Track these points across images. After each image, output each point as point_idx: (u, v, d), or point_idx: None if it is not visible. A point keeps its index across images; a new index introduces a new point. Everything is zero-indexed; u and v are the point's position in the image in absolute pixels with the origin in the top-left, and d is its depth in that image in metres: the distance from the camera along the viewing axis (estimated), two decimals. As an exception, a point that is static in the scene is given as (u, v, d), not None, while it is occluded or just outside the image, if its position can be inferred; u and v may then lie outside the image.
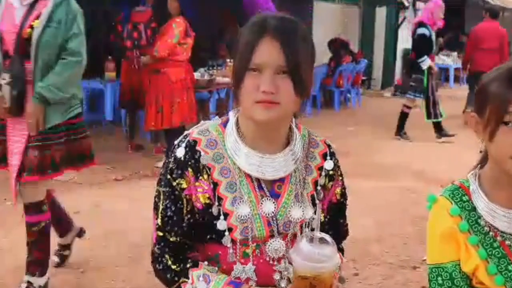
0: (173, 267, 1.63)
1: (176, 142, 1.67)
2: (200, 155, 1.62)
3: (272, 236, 1.63)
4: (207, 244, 1.65)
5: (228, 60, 9.27)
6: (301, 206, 1.65)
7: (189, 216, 1.63)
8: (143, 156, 7.11)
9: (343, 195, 1.80)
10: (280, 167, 1.63)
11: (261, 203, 1.62)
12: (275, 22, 1.56)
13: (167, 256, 1.64)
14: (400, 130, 8.79)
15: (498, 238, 1.60)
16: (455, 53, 17.86)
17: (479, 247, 1.60)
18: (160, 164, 6.02)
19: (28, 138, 3.30)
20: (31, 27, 3.21)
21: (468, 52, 9.76)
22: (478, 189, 1.63)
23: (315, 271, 1.44)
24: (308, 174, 1.69)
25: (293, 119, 1.70)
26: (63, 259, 3.92)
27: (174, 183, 1.62)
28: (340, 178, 1.78)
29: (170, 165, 1.63)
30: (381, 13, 14.78)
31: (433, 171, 6.56)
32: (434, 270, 1.64)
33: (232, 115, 1.68)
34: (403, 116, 8.79)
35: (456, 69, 17.01)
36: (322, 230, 1.54)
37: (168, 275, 1.64)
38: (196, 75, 7.85)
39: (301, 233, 1.65)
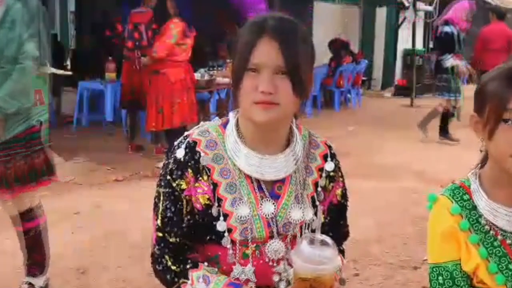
0: (173, 267, 1.63)
1: (176, 143, 1.67)
2: (200, 156, 1.62)
3: (271, 237, 1.63)
4: (206, 245, 1.65)
5: (228, 60, 9.27)
6: (301, 208, 1.65)
7: (189, 217, 1.63)
8: (143, 157, 7.10)
9: (344, 196, 1.79)
10: (280, 168, 1.63)
11: (261, 204, 1.61)
12: (274, 22, 1.55)
13: (167, 257, 1.64)
14: (443, 132, 8.56)
15: (499, 237, 1.60)
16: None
17: (479, 246, 1.60)
18: (161, 164, 6.00)
19: None
20: None
21: (477, 53, 9.75)
22: (478, 188, 1.63)
23: (315, 273, 1.44)
24: (308, 175, 1.69)
25: (294, 120, 1.70)
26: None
27: (174, 184, 1.62)
28: (341, 179, 1.78)
29: (170, 166, 1.63)
30: (381, 13, 14.78)
31: (433, 171, 6.56)
32: (434, 269, 1.64)
33: (232, 116, 1.68)
34: (443, 117, 8.56)
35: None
36: (322, 231, 1.53)
37: (168, 276, 1.63)
38: (196, 75, 7.85)
39: (301, 234, 1.65)
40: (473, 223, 1.61)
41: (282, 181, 1.65)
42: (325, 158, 1.73)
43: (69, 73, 8.96)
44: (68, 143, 7.48)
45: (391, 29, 14.84)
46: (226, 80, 7.98)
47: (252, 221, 1.60)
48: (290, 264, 1.62)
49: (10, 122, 3.12)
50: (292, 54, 1.52)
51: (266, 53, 1.52)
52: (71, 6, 15.12)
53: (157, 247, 1.66)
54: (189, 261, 1.64)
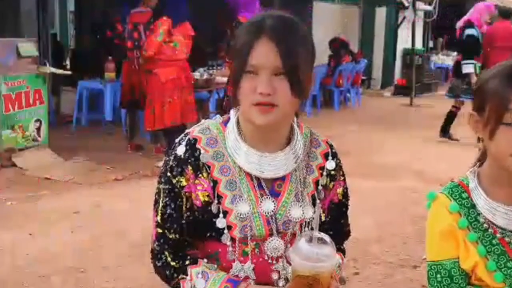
0: (172, 263, 1.63)
1: (176, 140, 1.67)
2: (200, 153, 1.62)
3: (271, 235, 1.63)
4: (206, 242, 1.65)
5: (227, 60, 9.27)
6: (301, 206, 1.65)
7: (188, 213, 1.63)
8: (142, 156, 7.10)
9: (345, 195, 1.79)
10: (280, 165, 1.63)
11: (261, 202, 1.62)
12: (272, 22, 1.54)
13: (166, 253, 1.64)
14: (445, 131, 8.46)
15: (498, 235, 1.61)
16: (454, 53, 17.86)
17: (478, 244, 1.60)
18: (160, 164, 6.01)
19: None
20: None
21: (484, 51, 9.72)
22: (477, 186, 1.63)
23: (313, 270, 1.44)
24: (309, 174, 1.69)
25: (295, 118, 1.70)
26: None
27: (174, 181, 1.62)
28: (342, 178, 1.77)
29: (170, 163, 1.64)
30: (380, 13, 14.79)
31: (433, 171, 6.56)
32: (433, 267, 1.64)
33: (233, 114, 1.68)
34: (449, 117, 8.43)
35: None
36: (322, 230, 1.53)
37: (167, 272, 1.64)
38: (196, 74, 7.85)
39: (301, 232, 1.65)
40: (472, 221, 1.62)
41: (282, 179, 1.65)
42: (326, 156, 1.73)
43: (69, 72, 8.99)
44: (68, 143, 7.49)
45: (390, 28, 14.84)
46: (226, 79, 7.98)
47: (251, 219, 1.61)
48: (289, 262, 1.62)
49: None
50: (290, 54, 1.51)
51: (264, 54, 1.51)
52: (71, 6, 15.13)
53: (156, 243, 1.66)
54: (189, 257, 1.64)
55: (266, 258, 1.64)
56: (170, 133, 6.26)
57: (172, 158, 1.64)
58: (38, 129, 6.80)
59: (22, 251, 4.16)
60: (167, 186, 1.63)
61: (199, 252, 1.67)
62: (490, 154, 1.61)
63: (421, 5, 14.32)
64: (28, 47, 6.65)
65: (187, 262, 1.63)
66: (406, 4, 13.85)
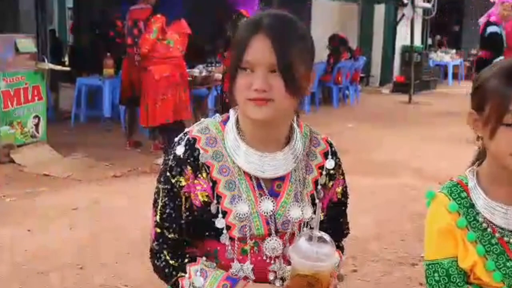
0: (171, 262, 1.63)
1: (176, 140, 1.67)
2: (199, 153, 1.62)
3: (270, 234, 1.63)
4: (205, 241, 1.65)
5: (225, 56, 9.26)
6: (300, 206, 1.64)
7: (187, 213, 1.63)
8: (141, 153, 7.10)
9: (344, 194, 1.79)
10: (279, 165, 1.63)
11: (260, 202, 1.61)
12: (269, 20, 1.55)
13: (165, 252, 1.64)
14: None
15: (497, 234, 1.60)
16: (453, 51, 17.87)
17: (477, 243, 1.60)
18: (159, 161, 6.02)
19: None
20: None
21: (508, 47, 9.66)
22: (476, 185, 1.63)
23: (313, 269, 1.44)
24: (308, 173, 1.69)
25: (294, 118, 1.69)
26: None
27: (173, 181, 1.62)
28: (342, 177, 1.77)
29: (170, 163, 1.63)
30: (379, 10, 14.77)
31: (432, 168, 6.56)
32: (430, 266, 1.64)
33: (232, 113, 1.67)
34: None
35: (454, 66, 17.03)
36: (321, 228, 1.53)
37: (166, 270, 1.64)
38: (195, 71, 7.84)
39: (300, 232, 1.64)
40: (471, 220, 1.61)
41: (282, 179, 1.65)
42: (325, 156, 1.73)
43: (67, 68, 8.98)
44: (66, 139, 7.49)
45: (389, 26, 14.83)
46: (223, 76, 7.98)
47: (251, 219, 1.61)
48: (286, 262, 1.62)
49: None
50: (285, 52, 1.51)
51: (260, 50, 1.51)
52: (69, 2, 15.12)
53: (156, 242, 1.66)
54: (187, 255, 1.64)
55: (264, 258, 1.64)
56: (166, 130, 6.27)
57: (171, 158, 1.64)
58: (37, 125, 6.80)
59: (21, 248, 4.16)
60: (166, 186, 1.63)
61: (197, 251, 1.67)
62: (489, 153, 1.60)
63: (420, 2, 14.29)
64: (27, 43, 6.64)
65: (186, 261, 1.63)
66: (405, 1, 13.83)
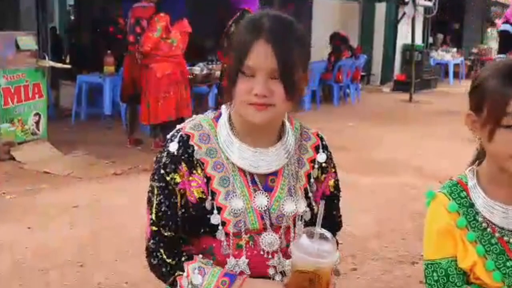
0: (168, 261, 1.63)
1: (168, 137, 1.67)
2: (193, 150, 1.63)
3: (265, 229, 1.64)
4: (201, 237, 1.66)
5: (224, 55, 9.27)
6: (293, 200, 1.66)
7: (183, 210, 1.64)
8: (142, 151, 7.10)
9: (336, 187, 1.80)
10: (272, 161, 1.64)
11: (254, 197, 1.62)
12: (270, 23, 1.55)
13: (161, 250, 1.64)
14: None
15: (496, 234, 1.60)
16: (454, 49, 17.85)
17: (477, 243, 1.60)
18: (159, 159, 6.02)
19: None
20: None
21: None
22: (476, 185, 1.63)
23: (315, 266, 1.46)
24: (300, 167, 1.70)
25: (286, 114, 1.70)
26: None
27: (168, 178, 1.62)
28: (333, 170, 1.79)
29: (164, 160, 1.63)
30: (380, 8, 14.76)
31: (432, 167, 6.56)
32: (429, 266, 1.64)
33: (224, 110, 1.68)
34: None
35: (455, 65, 17.01)
36: (314, 221, 1.54)
37: (164, 269, 1.64)
38: (196, 69, 7.84)
39: (295, 226, 1.66)
40: (470, 220, 1.61)
41: (275, 174, 1.66)
42: (317, 149, 1.74)
43: (68, 66, 8.99)
44: (67, 137, 7.49)
45: (390, 24, 14.82)
46: (224, 74, 7.98)
47: (245, 214, 1.61)
48: (285, 256, 1.64)
49: None
50: (286, 58, 1.52)
51: (261, 56, 1.52)
52: (70, 0, 15.11)
53: (152, 241, 1.66)
54: (184, 253, 1.64)
55: (261, 252, 1.64)
56: (168, 128, 6.25)
57: (165, 155, 1.64)
58: (37, 123, 6.80)
59: (21, 245, 4.16)
60: (161, 184, 1.63)
61: (193, 248, 1.67)
62: (489, 154, 1.60)
63: (421, 1, 14.27)
64: (27, 41, 6.64)
65: (183, 259, 1.63)
66: (406, 0, 13.82)
